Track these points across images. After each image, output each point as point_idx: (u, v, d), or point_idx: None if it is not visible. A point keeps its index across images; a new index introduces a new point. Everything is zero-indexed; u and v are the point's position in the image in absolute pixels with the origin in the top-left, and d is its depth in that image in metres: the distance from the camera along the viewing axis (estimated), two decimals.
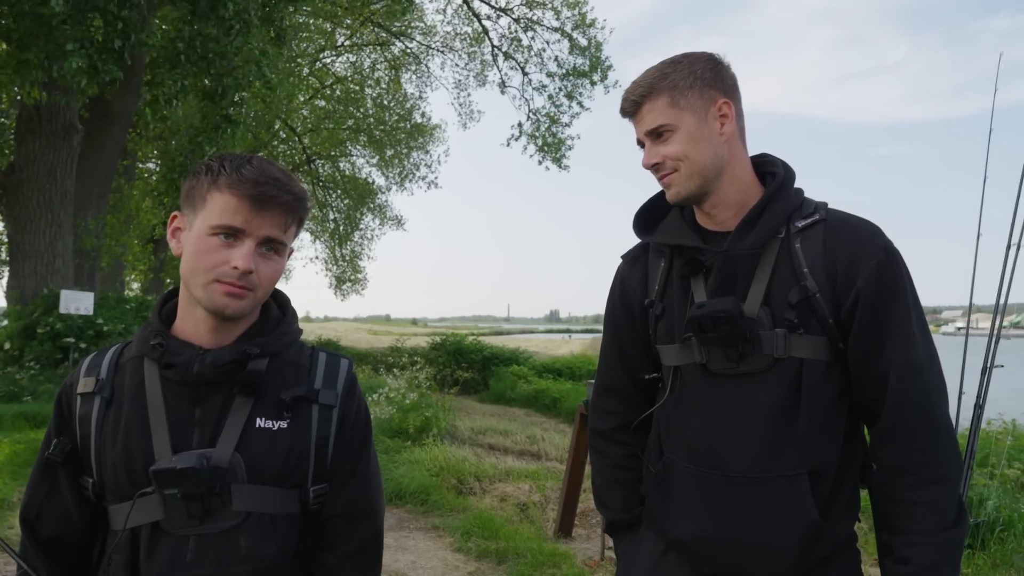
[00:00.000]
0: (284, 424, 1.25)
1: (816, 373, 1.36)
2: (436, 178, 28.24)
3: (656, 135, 1.41)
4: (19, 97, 10.10)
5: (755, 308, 1.37)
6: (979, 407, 1.73)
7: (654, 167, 1.44)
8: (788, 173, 1.46)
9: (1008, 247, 1.86)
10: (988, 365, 1.74)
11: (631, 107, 1.44)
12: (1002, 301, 1.76)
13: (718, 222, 1.46)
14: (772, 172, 1.47)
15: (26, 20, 7.82)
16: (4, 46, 8.45)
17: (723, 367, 1.39)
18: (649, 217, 1.57)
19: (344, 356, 1.40)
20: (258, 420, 1.23)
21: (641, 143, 1.46)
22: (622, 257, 1.64)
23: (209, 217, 1.19)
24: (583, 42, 17.64)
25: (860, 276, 1.34)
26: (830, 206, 1.44)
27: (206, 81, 10.14)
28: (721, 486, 1.39)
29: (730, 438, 1.38)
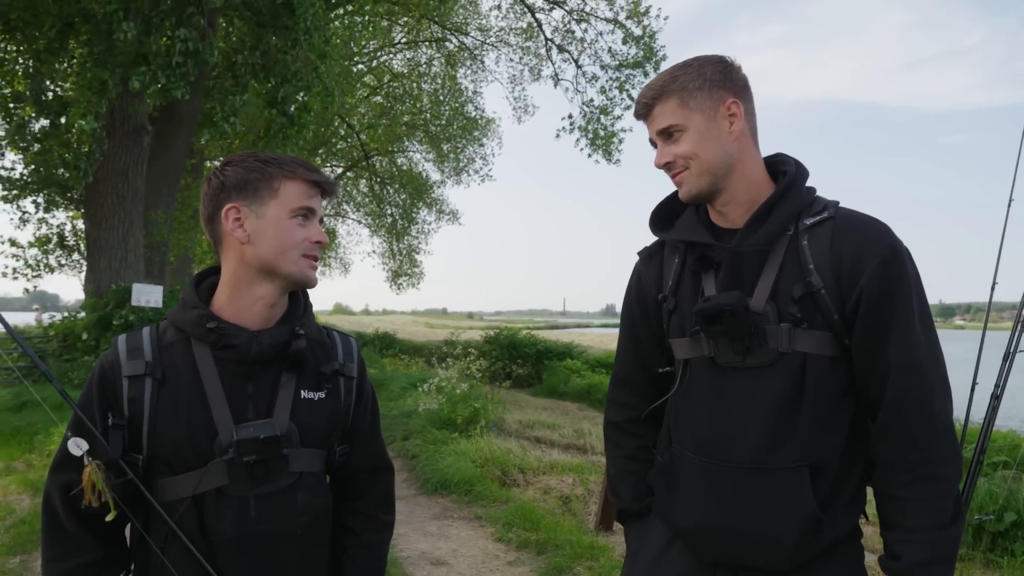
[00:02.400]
0: (323, 394, 1.42)
1: (820, 368, 1.37)
2: (490, 171, 28.46)
3: (667, 135, 1.45)
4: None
5: (761, 303, 1.39)
6: (996, 397, 1.67)
7: (666, 166, 1.48)
8: (800, 171, 1.48)
9: None
10: (1011, 350, 1.68)
11: (643, 109, 1.48)
12: None
13: (730, 219, 1.48)
14: (784, 171, 1.48)
15: (102, 38, 8.28)
16: (88, 64, 8.94)
17: (730, 360, 1.42)
18: (666, 215, 1.60)
19: (351, 336, 1.57)
20: (302, 392, 1.39)
21: (654, 144, 1.50)
22: (638, 253, 1.68)
23: (288, 202, 1.35)
24: (637, 32, 17.40)
25: (864, 274, 1.35)
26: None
27: (269, 89, 10.51)
28: (724, 476, 1.41)
29: (734, 429, 1.41)
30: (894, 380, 1.33)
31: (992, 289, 1.82)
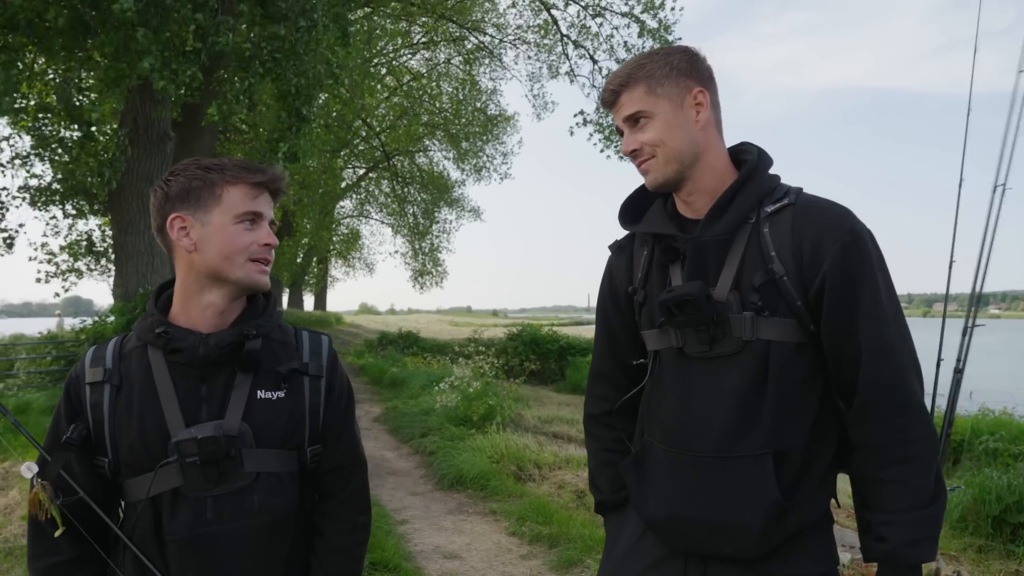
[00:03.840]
0: (282, 394, 1.41)
1: (784, 355, 1.38)
2: (509, 169, 28.57)
3: (634, 121, 1.45)
4: (115, 106, 10.86)
5: (725, 292, 1.40)
6: (959, 371, 1.67)
7: (632, 154, 1.48)
8: (762, 159, 1.48)
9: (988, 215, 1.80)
10: (968, 325, 1.68)
11: (610, 96, 1.48)
12: (982, 264, 1.70)
13: (695, 209, 1.49)
14: (746, 159, 1.49)
15: (118, 32, 8.39)
16: (106, 61, 9.10)
17: (697, 351, 1.43)
18: (635, 208, 1.61)
19: (324, 333, 1.55)
20: (259, 392, 1.39)
21: (620, 132, 1.51)
22: (609, 247, 1.69)
23: (231, 208, 1.36)
24: (653, 24, 17.29)
25: (826, 259, 1.35)
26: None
27: (280, 83, 10.57)
28: (690, 466, 1.43)
29: (700, 419, 1.42)
30: (866, 364, 1.33)
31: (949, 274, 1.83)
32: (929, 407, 1.65)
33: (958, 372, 1.66)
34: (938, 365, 1.73)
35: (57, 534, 1.33)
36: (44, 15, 8.50)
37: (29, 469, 1.33)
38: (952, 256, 1.83)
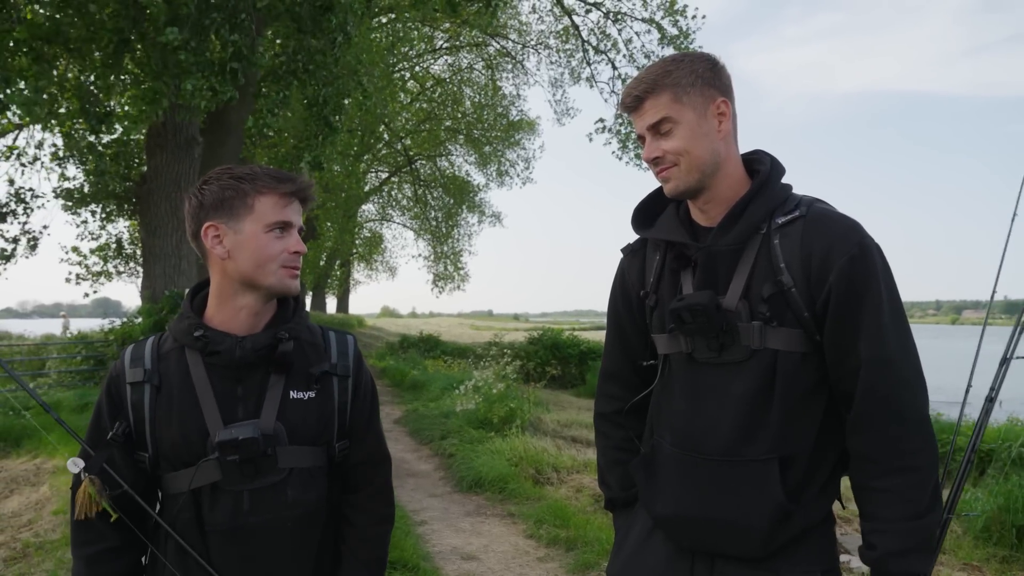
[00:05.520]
0: (313, 394, 1.48)
1: (790, 364, 1.40)
2: (531, 174, 28.71)
3: (657, 129, 1.46)
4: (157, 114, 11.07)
5: (734, 301, 1.43)
6: (990, 400, 1.67)
7: (654, 161, 1.49)
8: (774, 169, 1.50)
9: None
10: (1008, 356, 1.67)
11: (633, 102, 1.48)
12: None
13: (710, 217, 1.51)
14: (758, 169, 1.51)
15: (157, 51, 8.62)
16: (143, 79, 9.34)
17: (707, 356, 1.46)
18: (648, 213, 1.64)
19: (349, 333, 1.62)
20: (291, 392, 1.46)
21: (641, 138, 1.52)
22: (622, 250, 1.72)
23: (263, 217, 1.42)
24: (673, 31, 17.25)
25: (833, 271, 1.37)
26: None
27: (310, 91, 10.76)
28: (699, 468, 1.46)
29: (708, 423, 1.45)
30: (864, 375, 1.35)
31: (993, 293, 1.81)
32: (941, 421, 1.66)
33: (989, 401, 1.66)
34: (967, 391, 1.73)
35: (113, 519, 1.41)
36: (95, 41, 8.72)
37: (75, 464, 1.40)
38: (995, 288, 1.82)
